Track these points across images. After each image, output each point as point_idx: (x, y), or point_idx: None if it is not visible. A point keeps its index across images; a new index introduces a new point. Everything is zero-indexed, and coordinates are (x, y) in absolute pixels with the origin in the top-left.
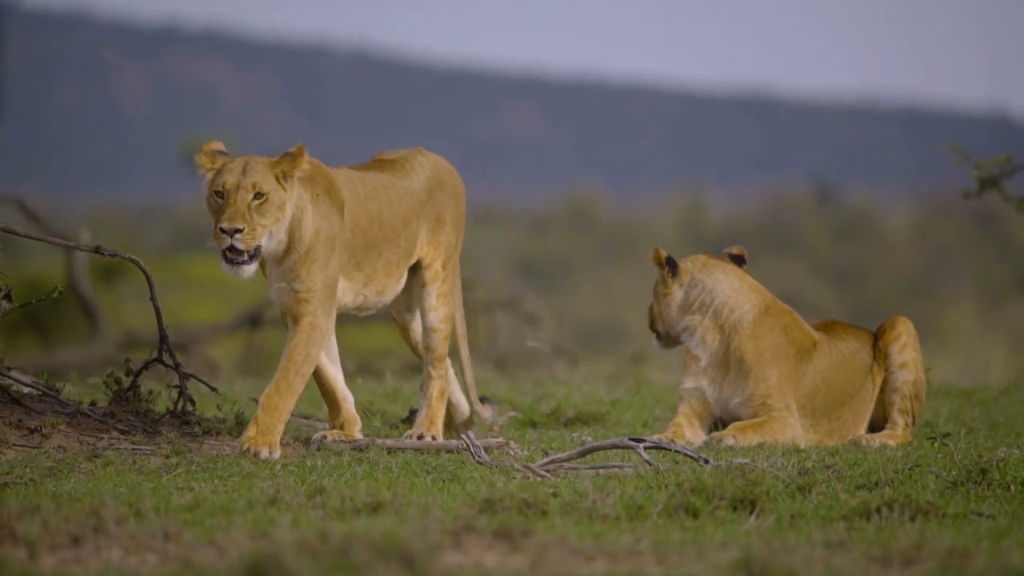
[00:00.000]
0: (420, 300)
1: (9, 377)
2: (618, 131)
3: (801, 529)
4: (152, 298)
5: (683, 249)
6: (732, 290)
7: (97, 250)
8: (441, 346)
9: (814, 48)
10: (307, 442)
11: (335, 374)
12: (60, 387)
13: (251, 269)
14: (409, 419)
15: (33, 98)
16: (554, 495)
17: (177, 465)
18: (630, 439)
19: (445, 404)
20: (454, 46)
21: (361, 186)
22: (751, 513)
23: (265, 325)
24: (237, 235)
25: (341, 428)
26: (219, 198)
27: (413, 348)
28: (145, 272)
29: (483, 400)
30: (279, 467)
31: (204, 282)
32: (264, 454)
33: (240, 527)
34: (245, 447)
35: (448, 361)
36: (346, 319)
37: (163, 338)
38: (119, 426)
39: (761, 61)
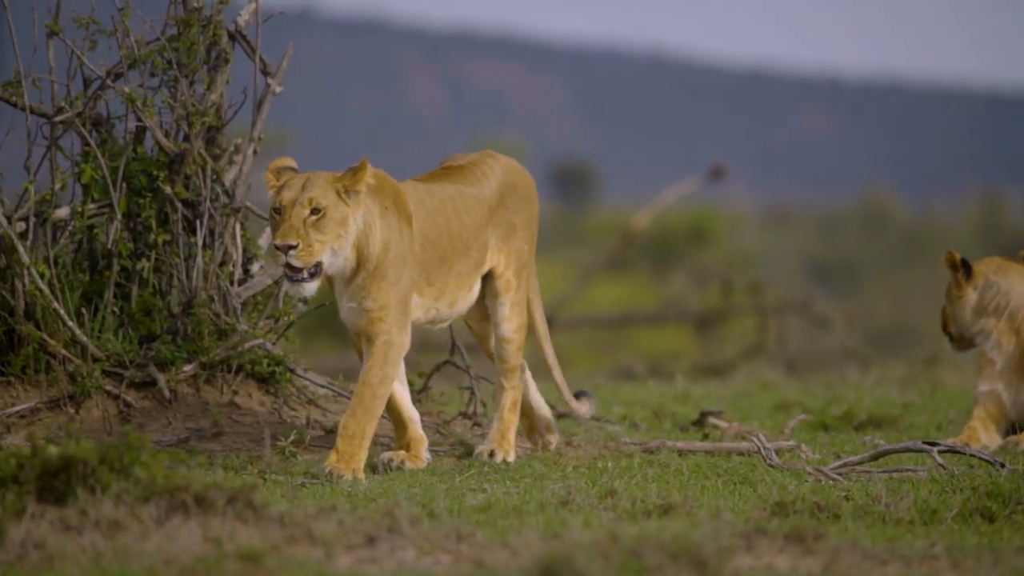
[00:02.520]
0: (492, 311)
1: (305, 378)
2: (912, 132)
3: None
4: None
5: (978, 251)
6: None
7: None
8: (514, 357)
9: None
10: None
11: (401, 392)
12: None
13: (312, 287)
14: (699, 422)
15: (330, 103)
16: (846, 499)
17: (469, 466)
18: (924, 443)
19: (518, 416)
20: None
21: (429, 199)
22: None
23: (557, 327)
24: (292, 252)
25: (407, 449)
26: (277, 215)
27: (490, 357)
28: None
29: (579, 395)
30: (570, 468)
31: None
32: (348, 478)
33: (532, 528)
34: (328, 471)
35: (524, 365)
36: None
37: (454, 340)
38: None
39: None
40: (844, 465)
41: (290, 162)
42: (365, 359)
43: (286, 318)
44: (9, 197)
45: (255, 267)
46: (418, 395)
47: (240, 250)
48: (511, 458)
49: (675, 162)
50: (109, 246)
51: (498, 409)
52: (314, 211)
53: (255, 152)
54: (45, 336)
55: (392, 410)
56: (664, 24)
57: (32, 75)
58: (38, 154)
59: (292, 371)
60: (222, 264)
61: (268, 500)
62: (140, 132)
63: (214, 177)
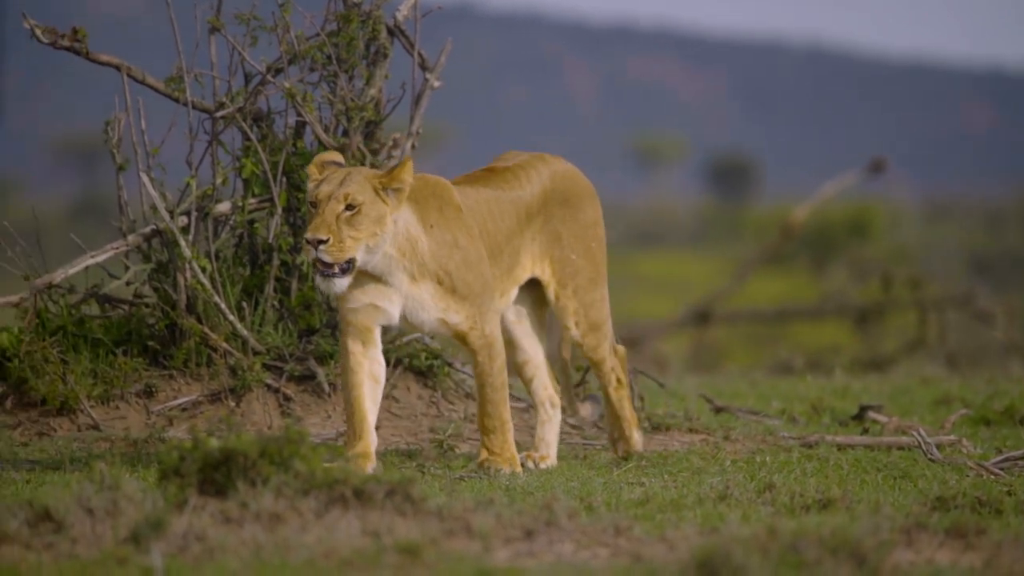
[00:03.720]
0: (556, 319)
1: (462, 372)
2: None
3: None
4: None
5: None
6: None
7: None
8: (594, 353)
9: None
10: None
11: (370, 408)
12: (511, 383)
13: (342, 283)
14: (859, 416)
15: (487, 97)
16: (1008, 494)
17: (627, 460)
18: None
19: (628, 400)
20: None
21: (464, 199)
22: None
23: (715, 321)
24: (322, 247)
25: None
26: (313, 208)
27: (518, 367)
28: None
29: (588, 399)
30: (728, 463)
31: (657, 278)
32: (506, 471)
33: (690, 522)
34: (485, 466)
35: (608, 360)
36: None
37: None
38: (570, 420)
39: None
40: (1006, 460)
41: (336, 156)
42: (471, 362)
43: None
44: (171, 192)
45: None
46: (576, 388)
47: None
48: (638, 447)
49: (835, 155)
50: (269, 240)
51: (607, 408)
52: (349, 207)
53: (413, 146)
54: (206, 330)
55: (354, 413)
56: (824, 16)
57: (194, 71)
58: (200, 149)
59: (450, 365)
60: None
61: (426, 493)
62: (300, 127)
63: None
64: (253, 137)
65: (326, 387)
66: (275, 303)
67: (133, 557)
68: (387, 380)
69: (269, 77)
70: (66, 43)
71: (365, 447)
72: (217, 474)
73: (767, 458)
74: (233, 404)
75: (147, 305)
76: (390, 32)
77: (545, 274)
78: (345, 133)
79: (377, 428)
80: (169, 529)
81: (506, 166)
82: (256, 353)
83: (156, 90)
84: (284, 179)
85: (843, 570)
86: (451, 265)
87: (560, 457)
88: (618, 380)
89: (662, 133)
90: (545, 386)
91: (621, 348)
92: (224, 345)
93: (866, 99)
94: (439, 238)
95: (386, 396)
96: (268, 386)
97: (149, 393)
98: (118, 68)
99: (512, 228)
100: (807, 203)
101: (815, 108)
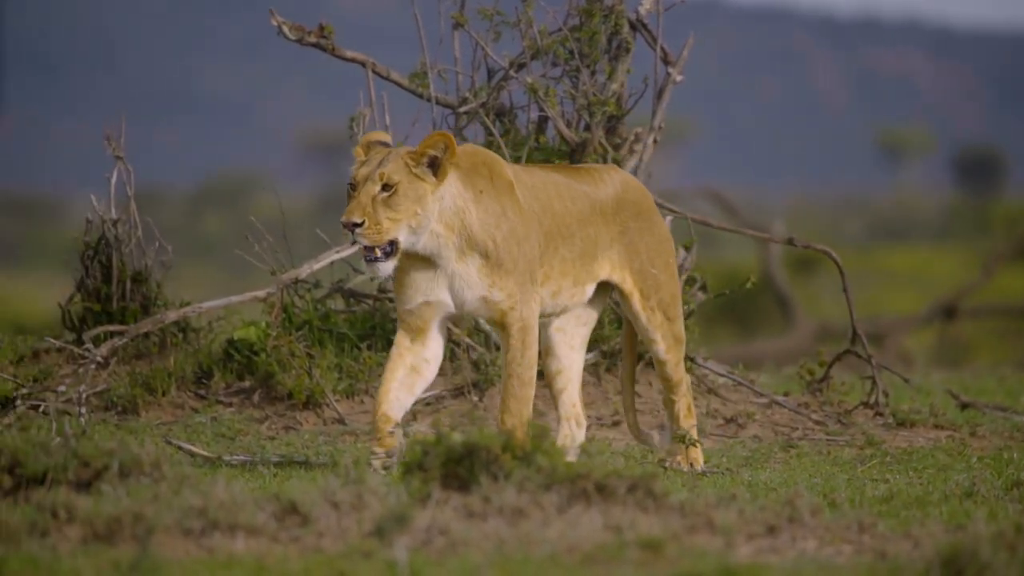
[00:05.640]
0: (641, 334)
1: (705, 367)
2: None
3: None
4: (844, 289)
5: None
6: None
7: (790, 241)
8: (675, 372)
9: None
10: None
11: (401, 399)
12: (754, 378)
13: (387, 267)
14: None
15: (731, 90)
16: None
17: (871, 456)
18: None
19: (694, 418)
20: None
21: (527, 176)
22: None
23: (961, 316)
24: (357, 230)
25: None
26: (352, 190)
27: (551, 376)
28: (838, 263)
29: (660, 426)
30: (975, 459)
31: (903, 273)
32: None
33: (935, 519)
34: None
35: (684, 381)
36: None
37: (855, 329)
38: (813, 416)
39: None
40: None
41: (383, 136)
42: (503, 347)
43: (686, 307)
44: None
45: None
46: (818, 384)
47: None
48: (699, 465)
49: None
50: None
51: (671, 420)
52: (385, 187)
53: (655, 141)
54: (451, 325)
55: (375, 408)
56: None
57: (437, 66)
58: None
59: (692, 360)
60: None
61: (668, 489)
62: (542, 122)
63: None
64: (496, 132)
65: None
66: None
67: (377, 551)
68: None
69: (512, 72)
70: (312, 40)
71: (386, 449)
72: (460, 468)
73: (1015, 455)
74: (476, 398)
75: (391, 300)
76: (632, 26)
77: (627, 284)
78: (587, 128)
79: (618, 424)
80: (413, 523)
81: (576, 167)
82: (498, 348)
83: (400, 86)
84: None
85: None
86: (498, 235)
87: (803, 454)
88: (688, 409)
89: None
90: (574, 403)
91: (687, 376)
92: (467, 340)
93: None
94: (488, 206)
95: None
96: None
97: None
98: (363, 64)
99: (585, 215)
100: None
101: None
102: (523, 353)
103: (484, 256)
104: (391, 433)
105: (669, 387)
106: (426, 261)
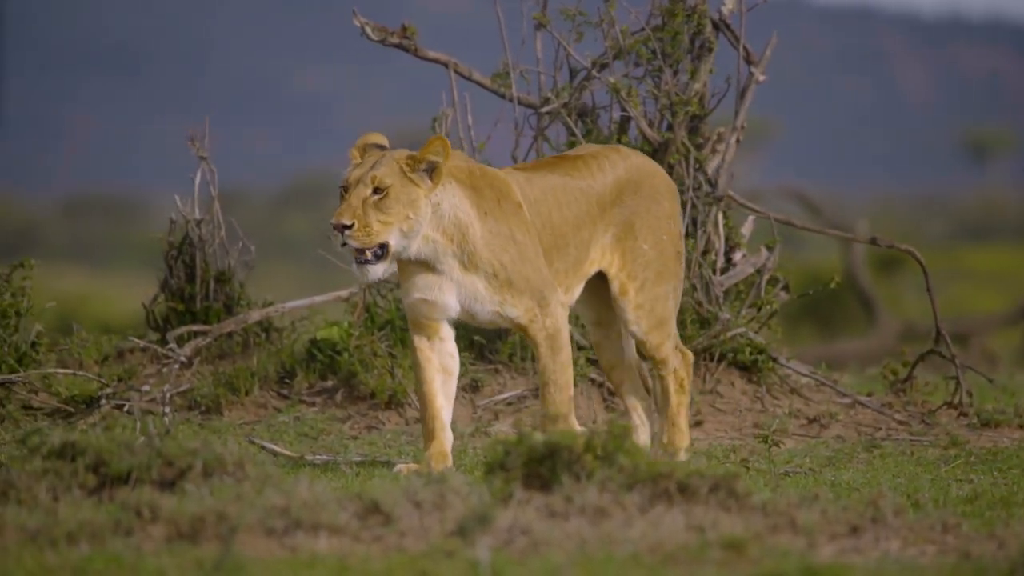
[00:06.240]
0: (618, 314)
1: (787, 367)
2: None
3: None
4: (928, 289)
5: None
6: None
7: (873, 241)
8: (657, 351)
9: None
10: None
11: (443, 405)
12: (837, 377)
13: (377, 270)
14: None
15: (814, 91)
16: None
17: (955, 457)
18: None
19: (686, 410)
20: None
21: (529, 188)
22: None
23: None
24: (347, 232)
25: (431, 463)
26: (344, 192)
27: (606, 371)
28: (921, 263)
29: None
30: None
31: (987, 273)
32: None
33: (1020, 520)
34: None
35: (671, 360)
36: None
37: (939, 329)
38: (896, 417)
39: None
40: None
41: (379, 139)
42: (535, 354)
43: (769, 307)
44: None
45: (737, 256)
46: (902, 384)
47: (722, 239)
48: (684, 452)
49: None
50: None
51: (661, 410)
52: (376, 190)
53: (738, 141)
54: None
55: (425, 410)
56: None
57: (520, 67)
58: (525, 144)
59: (774, 360)
60: (704, 253)
61: (751, 489)
62: (624, 121)
63: (696, 166)
64: (578, 132)
65: (648, 381)
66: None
67: (460, 550)
68: (711, 375)
69: (594, 72)
70: (395, 40)
71: (440, 446)
72: (542, 468)
73: None
74: None
75: None
76: (715, 26)
77: (613, 266)
78: (669, 128)
79: (700, 424)
80: (495, 523)
81: (577, 155)
82: (580, 348)
83: (482, 86)
84: None
85: None
86: (506, 258)
87: (886, 454)
88: (680, 384)
89: (993, 126)
90: (636, 387)
91: (689, 353)
92: None
93: None
94: (494, 229)
95: (710, 391)
96: (592, 380)
97: (475, 387)
98: (446, 65)
99: (580, 217)
100: None
101: None
102: (554, 359)
103: (493, 275)
104: (442, 438)
105: (654, 363)
106: (429, 263)
